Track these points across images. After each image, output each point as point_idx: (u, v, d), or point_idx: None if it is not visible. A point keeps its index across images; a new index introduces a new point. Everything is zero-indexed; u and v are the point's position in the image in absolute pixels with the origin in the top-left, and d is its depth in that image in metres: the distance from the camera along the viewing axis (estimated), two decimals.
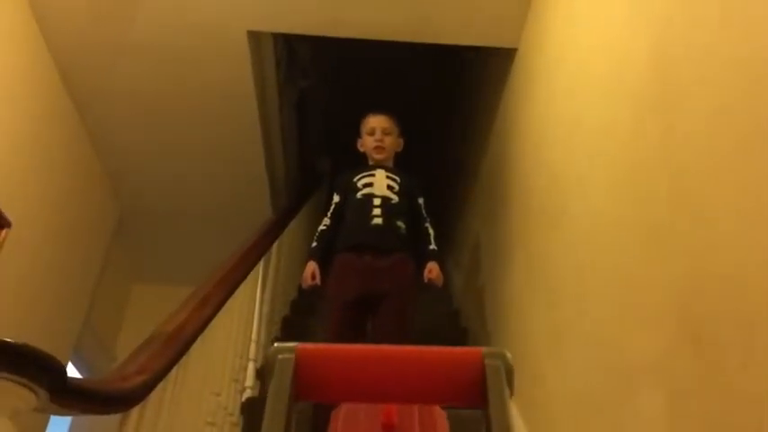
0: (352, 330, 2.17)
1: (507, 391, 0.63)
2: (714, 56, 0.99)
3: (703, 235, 0.96)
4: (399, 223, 2.32)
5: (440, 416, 0.79)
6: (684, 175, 1.04)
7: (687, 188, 1.03)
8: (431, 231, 2.38)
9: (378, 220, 2.29)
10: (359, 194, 2.37)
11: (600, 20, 1.58)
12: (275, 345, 0.68)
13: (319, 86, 4.42)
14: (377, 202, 2.33)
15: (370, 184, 2.39)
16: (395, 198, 2.35)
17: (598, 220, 1.43)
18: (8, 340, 0.88)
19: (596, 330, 1.36)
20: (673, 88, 1.12)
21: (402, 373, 0.67)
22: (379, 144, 2.46)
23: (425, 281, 2.28)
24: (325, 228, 2.42)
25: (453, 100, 4.45)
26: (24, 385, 0.89)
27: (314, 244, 2.41)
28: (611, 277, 1.31)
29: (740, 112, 0.90)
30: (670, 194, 1.08)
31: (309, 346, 0.67)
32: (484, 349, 0.67)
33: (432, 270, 2.28)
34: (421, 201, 2.44)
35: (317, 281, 2.30)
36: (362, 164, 2.52)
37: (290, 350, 0.66)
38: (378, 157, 2.47)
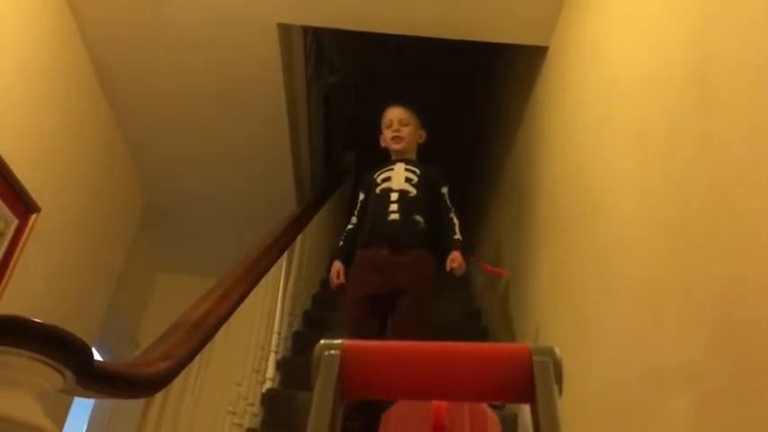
0: (369, 326, 2.16)
1: (556, 388, 0.62)
2: (757, 56, 0.96)
3: (743, 240, 0.93)
4: (417, 218, 2.28)
5: (492, 421, 0.76)
6: (723, 179, 1.01)
7: (726, 192, 1.00)
8: (455, 221, 2.33)
9: (395, 216, 2.28)
10: (378, 190, 2.37)
11: (636, 19, 1.55)
12: (321, 342, 0.67)
13: (346, 81, 4.41)
14: (394, 197, 2.31)
15: (388, 179, 2.38)
16: (413, 191, 2.33)
17: (629, 223, 1.41)
18: (39, 321, 0.89)
19: (624, 333, 1.33)
20: (713, 90, 1.09)
21: (449, 369, 0.65)
22: (396, 134, 2.44)
23: (447, 269, 2.25)
24: (351, 227, 2.43)
25: (481, 98, 4.42)
26: (52, 366, 0.90)
27: (340, 243, 2.44)
28: (641, 280, 1.28)
29: None
30: (708, 198, 1.05)
31: (356, 342, 0.67)
32: (532, 345, 0.65)
33: (454, 259, 2.23)
34: (444, 190, 2.39)
35: (342, 280, 2.30)
36: (386, 160, 2.51)
37: (336, 347, 0.66)
38: (396, 147, 2.44)
